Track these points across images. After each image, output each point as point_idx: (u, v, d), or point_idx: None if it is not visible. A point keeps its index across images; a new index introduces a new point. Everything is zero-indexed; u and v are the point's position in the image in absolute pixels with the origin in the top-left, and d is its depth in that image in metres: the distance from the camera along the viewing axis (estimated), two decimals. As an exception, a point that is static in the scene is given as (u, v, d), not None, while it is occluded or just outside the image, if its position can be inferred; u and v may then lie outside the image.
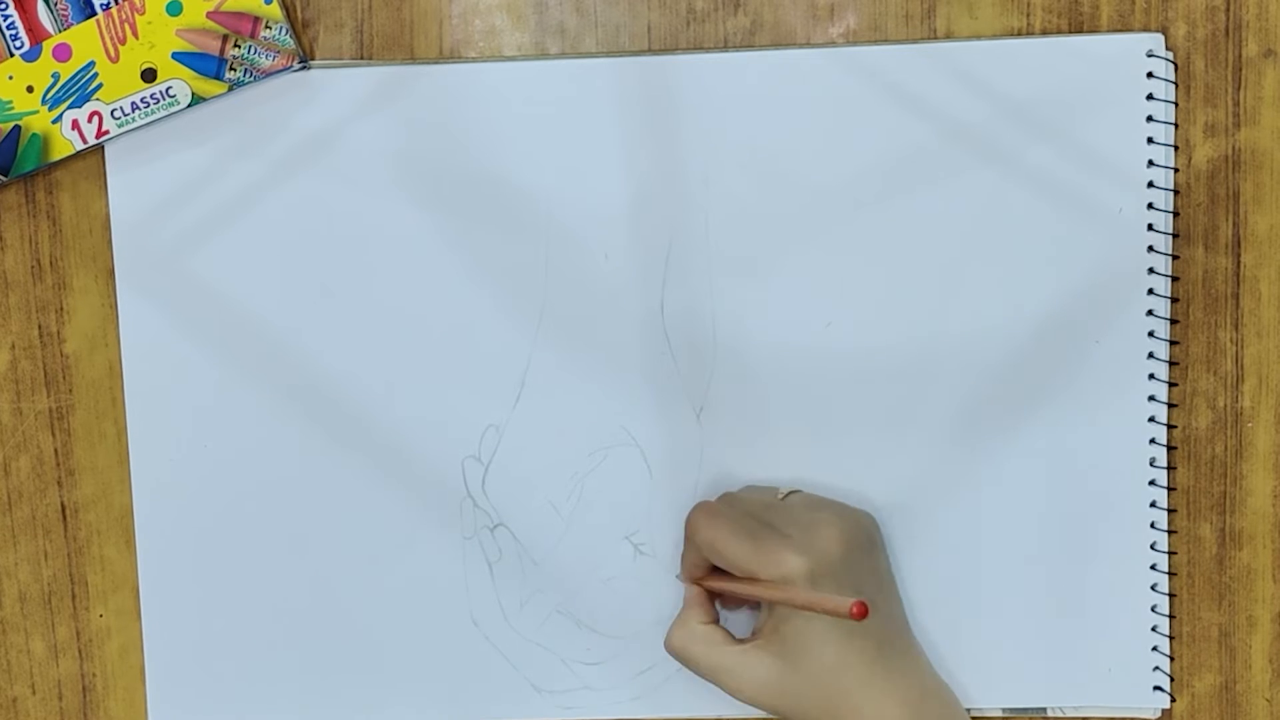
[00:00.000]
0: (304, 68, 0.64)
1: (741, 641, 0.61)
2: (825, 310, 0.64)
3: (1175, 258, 0.63)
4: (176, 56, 0.62)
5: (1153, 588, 0.64)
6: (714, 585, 0.62)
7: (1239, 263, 0.64)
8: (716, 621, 0.62)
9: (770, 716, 0.61)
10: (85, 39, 0.62)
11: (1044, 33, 0.63)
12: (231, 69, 0.63)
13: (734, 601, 0.64)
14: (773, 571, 0.58)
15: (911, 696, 0.59)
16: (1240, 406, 0.64)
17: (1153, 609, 0.64)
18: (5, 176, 0.63)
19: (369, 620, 0.65)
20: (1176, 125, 0.63)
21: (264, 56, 0.63)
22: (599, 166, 0.64)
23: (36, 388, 0.65)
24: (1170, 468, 0.64)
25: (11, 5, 0.62)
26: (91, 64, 0.62)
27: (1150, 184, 0.63)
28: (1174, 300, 0.64)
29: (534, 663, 0.65)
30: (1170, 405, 0.64)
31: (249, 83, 0.63)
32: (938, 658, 0.64)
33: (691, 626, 0.61)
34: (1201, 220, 0.64)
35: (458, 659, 0.66)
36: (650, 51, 0.64)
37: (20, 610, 0.66)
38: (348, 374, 0.65)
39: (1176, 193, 0.63)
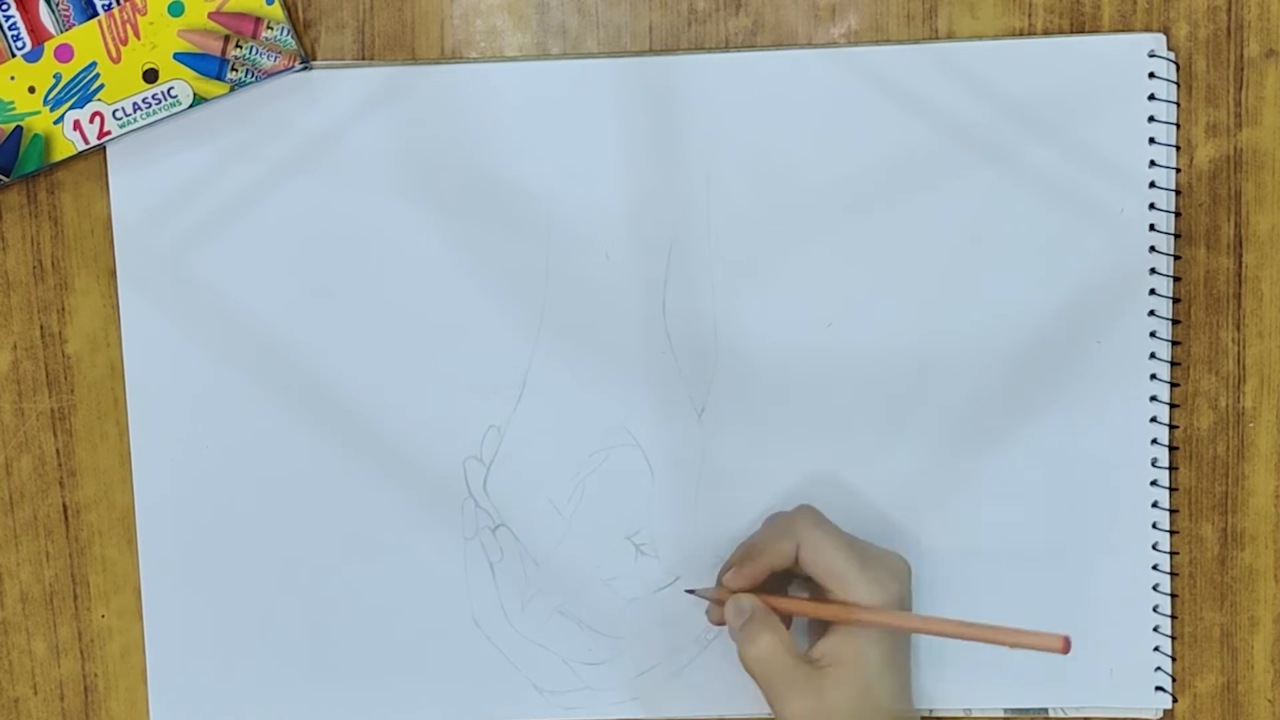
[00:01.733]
0: (305, 68, 0.64)
1: (812, 661, 0.59)
2: (827, 310, 0.64)
3: (1177, 258, 0.63)
4: (178, 57, 0.62)
5: (1154, 588, 0.64)
6: (787, 604, 0.60)
7: (1241, 263, 0.64)
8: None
9: None
10: (87, 39, 0.62)
11: (1045, 33, 0.63)
12: (233, 69, 0.63)
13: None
14: (877, 591, 0.58)
15: None
16: (1242, 407, 0.64)
17: (1154, 609, 0.64)
18: (7, 177, 0.63)
19: (370, 621, 0.65)
20: (1178, 125, 0.63)
21: (265, 57, 0.63)
22: (600, 167, 0.64)
23: (38, 388, 0.66)
24: (1172, 468, 0.64)
25: (13, 6, 0.62)
26: (93, 64, 0.62)
27: (1152, 184, 0.63)
28: (1176, 300, 0.64)
29: (535, 663, 0.65)
30: (1172, 405, 0.64)
31: (250, 83, 0.63)
32: (940, 657, 0.64)
33: (784, 636, 0.59)
34: (1203, 220, 0.64)
35: (459, 660, 0.66)
36: (651, 52, 0.64)
37: (22, 610, 0.66)
38: (349, 374, 0.65)
39: (1178, 193, 0.63)
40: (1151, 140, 0.63)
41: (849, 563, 0.58)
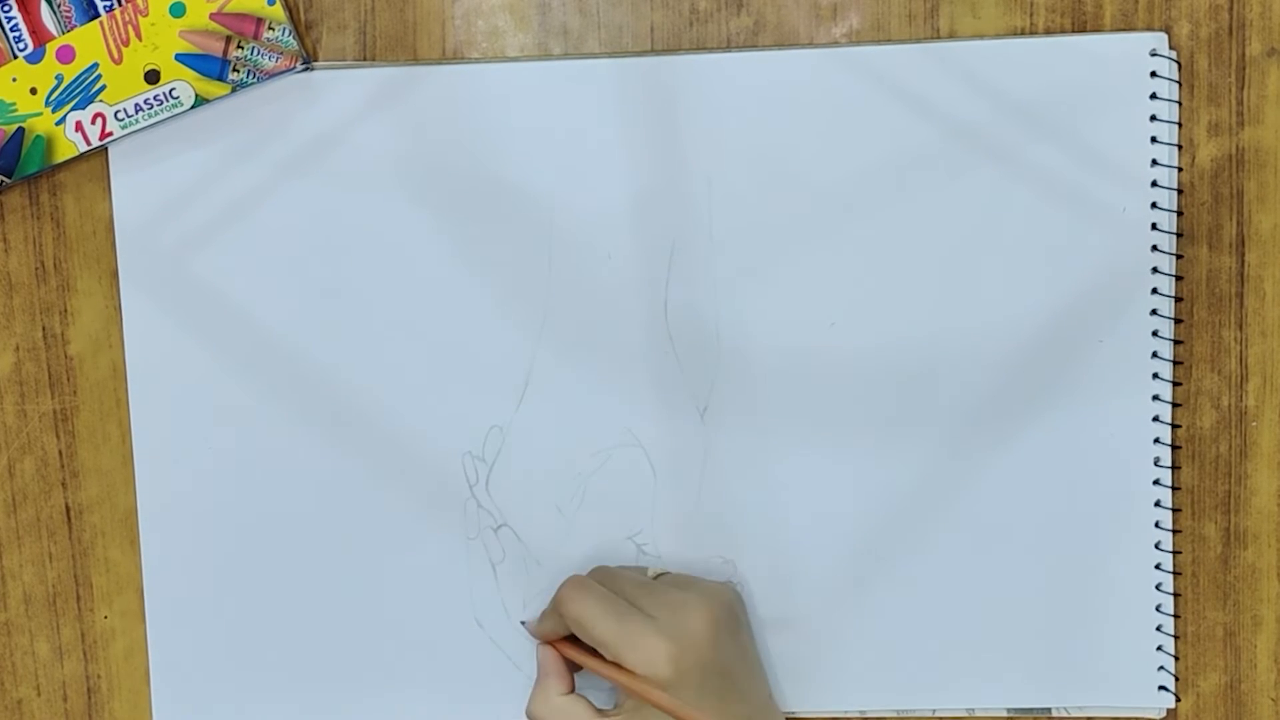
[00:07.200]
0: (307, 69, 0.64)
1: (603, 714, 0.60)
2: (829, 310, 0.64)
3: (1179, 257, 0.63)
4: (180, 58, 0.62)
5: (1157, 587, 0.64)
6: (578, 658, 0.61)
7: (1243, 262, 0.64)
8: (573, 690, 0.62)
9: None
10: (88, 41, 0.62)
11: (1047, 32, 0.63)
12: (235, 70, 0.63)
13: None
14: (638, 656, 0.58)
15: None
16: (1244, 406, 0.64)
17: (1157, 609, 0.64)
18: (9, 178, 0.64)
19: (373, 621, 0.65)
20: (1180, 124, 0.63)
21: (267, 58, 0.63)
22: (602, 167, 0.64)
23: (41, 389, 0.66)
24: (1175, 467, 0.64)
25: (15, 7, 0.62)
26: (95, 66, 0.62)
27: (1154, 183, 0.63)
28: (1178, 299, 0.64)
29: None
30: (1174, 405, 0.64)
31: (252, 84, 0.63)
32: (942, 657, 0.64)
33: (552, 699, 0.61)
34: (1205, 219, 0.64)
35: (461, 660, 0.66)
36: (653, 52, 0.64)
37: (25, 612, 0.66)
38: (351, 375, 0.65)
39: (1180, 192, 0.63)
40: (1153, 139, 0.63)
41: (607, 631, 0.58)
